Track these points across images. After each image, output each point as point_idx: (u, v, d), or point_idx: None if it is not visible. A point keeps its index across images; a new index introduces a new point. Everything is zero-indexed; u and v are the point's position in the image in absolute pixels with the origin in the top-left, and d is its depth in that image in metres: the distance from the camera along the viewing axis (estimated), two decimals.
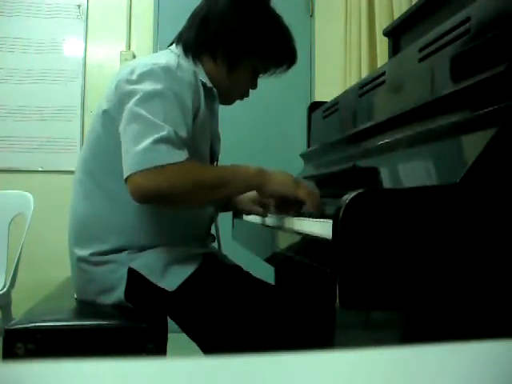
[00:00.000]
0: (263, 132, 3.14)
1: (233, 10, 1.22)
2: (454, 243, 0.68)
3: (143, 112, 1.05)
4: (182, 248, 1.18)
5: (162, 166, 1.01)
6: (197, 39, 1.24)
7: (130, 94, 1.09)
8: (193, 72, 1.19)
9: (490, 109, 0.75)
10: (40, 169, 3.06)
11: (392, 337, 1.19)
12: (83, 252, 1.18)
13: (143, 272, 1.13)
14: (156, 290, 1.13)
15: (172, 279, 1.12)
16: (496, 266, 0.68)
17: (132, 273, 1.15)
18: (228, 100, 1.34)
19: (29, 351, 1.06)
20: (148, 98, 1.07)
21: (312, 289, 1.09)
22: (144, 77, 1.10)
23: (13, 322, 1.11)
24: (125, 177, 1.03)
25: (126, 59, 3.08)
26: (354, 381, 0.25)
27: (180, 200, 1.08)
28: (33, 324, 1.09)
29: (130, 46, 3.13)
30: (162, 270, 1.13)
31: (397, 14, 2.13)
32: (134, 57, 3.10)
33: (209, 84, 1.24)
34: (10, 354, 1.06)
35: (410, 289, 0.68)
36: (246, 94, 1.35)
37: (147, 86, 1.08)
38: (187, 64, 1.20)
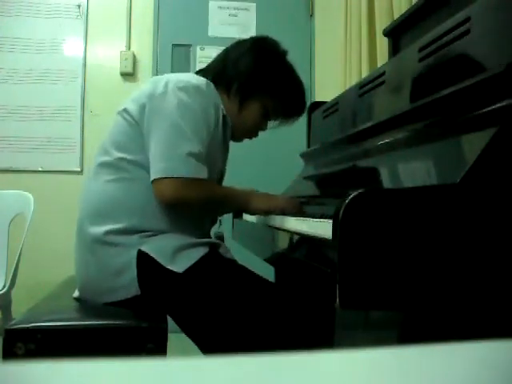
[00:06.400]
0: (263, 132, 3.13)
1: (250, 53, 1.37)
2: (454, 243, 0.68)
3: (179, 121, 1.19)
4: (190, 236, 1.23)
5: (192, 180, 1.18)
6: (215, 73, 1.37)
7: (167, 103, 1.21)
8: (217, 94, 1.31)
9: (490, 109, 0.75)
10: (40, 169, 3.05)
11: (391, 337, 1.19)
12: (98, 230, 1.21)
13: (153, 254, 1.17)
14: (163, 272, 1.16)
15: (180, 263, 1.17)
16: (496, 266, 0.68)
17: (141, 255, 1.18)
18: (236, 136, 1.44)
19: (29, 351, 1.06)
20: (184, 109, 1.20)
21: (312, 289, 1.09)
22: (179, 90, 1.22)
23: (13, 322, 1.11)
24: (155, 177, 1.17)
25: (126, 59, 3.08)
26: (353, 381, 0.25)
27: (194, 208, 1.27)
28: (33, 324, 1.09)
29: (130, 46, 3.13)
30: (171, 254, 1.17)
31: (397, 14, 2.13)
32: (134, 57, 3.10)
33: (224, 111, 1.33)
34: (10, 354, 1.06)
35: (409, 289, 0.68)
36: (255, 134, 1.47)
37: (182, 99, 1.21)
38: (213, 87, 1.31)
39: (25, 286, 2.57)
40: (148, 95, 1.24)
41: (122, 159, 1.24)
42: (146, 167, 1.21)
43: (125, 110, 1.27)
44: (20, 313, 1.20)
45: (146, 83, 1.32)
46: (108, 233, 1.20)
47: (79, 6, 3.14)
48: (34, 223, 2.39)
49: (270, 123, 1.46)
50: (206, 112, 1.24)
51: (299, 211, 1.27)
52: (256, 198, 1.31)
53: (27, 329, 1.08)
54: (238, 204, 1.32)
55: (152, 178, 1.18)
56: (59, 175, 3.02)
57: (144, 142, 1.22)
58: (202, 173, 1.20)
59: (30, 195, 2.47)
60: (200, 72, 1.40)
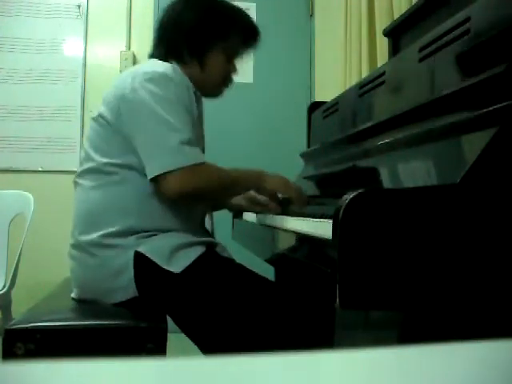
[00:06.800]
0: (263, 132, 3.14)
1: (186, 10, 1.31)
2: (453, 243, 0.68)
3: (160, 113, 1.16)
4: (186, 235, 1.22)
5: (194, 166, 1.15)
6: (162, 49, 1.32)
7: (140, 98, 1.17)
8: (184, 75, 1.26)
9: (490, 109, 0.75)
10: (40, 169, 3.05)
11: (391, 337, 1.19)
12: (91, 236, 1.21)
13: (149, 255, 1.16)
14: (161, 273, 1.15)
15: (177, 263, 1.16)
16: (496, 266, 0.68)
17: (138, 256, 1.17)
18: (214, 93, 1.40)
19: (28, 351, 1.06)
20: (159, 100, 1.17)
21: (312, 289, 1.09)
22: (148, 82, 1.18)
23: (12, 322, 1.11)
24: (155, 174, 1.14)
25: (126, 59, 3.08)
26: (353, 381, 0.25)
27: (208, 197, 1.27)
28: (32, 324, 1.09)
29: (130, 45, 3.13)
30: (168, 255, 1.16)
31: (397, 14, 2.13)
32: (134, 57, 3.10)
33: (193, 87, 1.29)
34: (10, 354, 1.06)
35: (409, 289, 0.68)
36: (229, 81, 1.40)
37: (154, 90, 1.17)
38: (179, 70, 1.26)
39: (25, 286, 2.57)
40: (119, 96, 1.21)
41: (106, 164, 1.21)
42: (134, 168, 1.20)
43: (100, 115, 1.24)
44: (20, 313, 1.20)
45: (114, 81, 1.28)
46: (104, 236, 1.20)
47: (79, 6, 3.14)
48: (33, 223, 2.39)
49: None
50: (181, 98, 1.20)
51: (305, 204, 1.28)
52: (270, 176, 1.29)
53: (27, 329, 1.08)
54: (251, 182, 1.28)
55: (151, 176, 1.15)
56: (59, 175, 3.01)
57: (128, 145, 1.19)
58: (200, 157, 1.18)
59: (29, 195, 2.47)
60: (154, 55, 1.34)
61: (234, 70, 1.39)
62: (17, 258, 2.29)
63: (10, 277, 2.30)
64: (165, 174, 1.14)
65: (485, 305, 0.70)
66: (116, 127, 1.21)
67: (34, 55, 3.08)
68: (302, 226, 0.99)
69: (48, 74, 3.09)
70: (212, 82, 1.36)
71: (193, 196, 1.19)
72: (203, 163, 1.18)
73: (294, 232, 1.02)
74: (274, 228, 1.20)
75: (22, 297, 2.39)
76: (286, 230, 1.10)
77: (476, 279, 0.68)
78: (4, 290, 2.27)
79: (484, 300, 0.69)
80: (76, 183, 1.28)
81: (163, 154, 1.15)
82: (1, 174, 3.01)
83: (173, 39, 1.31)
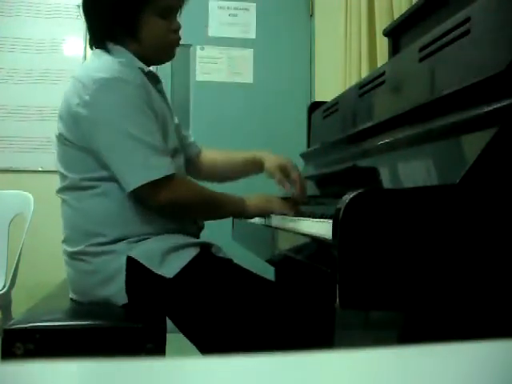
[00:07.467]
0: (263, 132, 3.14)
1: None
2: (453, 243, 0.68)
3: (123, 127, 1.12)
4: (179, 237, 1.20)
5: (165, 178, 1.13)
6: (98, 36, 1.25)
7: (98, 113, 1.13)
8: (133, 67, 1.20)
9: (490, 109, 0.75)
10: (40, 169, 3.05)
11: (391, 337, 1.19)
12: (80, 247, 1.19)
13: (141, 260, 1.15)
14: (154, 277, 1.14)
15: (170, 266, 1.14)
16: (496, 266, 0.68)
17: (130, 261, 1.15)
18: (165, 57, 1.32)
19: (28, 351, 1.06)
20: (118, 111, 1.13)
21: (312, 289, 1.09)
22: (99, 92, 1.13)
23: (11, 322, 1.11)
24: (129, 190, 1.13)
25: None
26: (353, 381, 0.25)
27: (193, 207, 1.23)
28: (32, 324, 1.09)
29: None
30: (160, 258, 1.14)
31: (397, 14, 2.13)
32: None
33: (146, 68, 1.24)
34: (9, 354, 1.06)
35: (409, 289, 0.68)
36: (175, 37, 1.29)
37: (109, 101, 1.13)
38: (124, 62, 1.19)
39: (25, 286, 2.57)
40: (73, 114, 1.16)
41: (82, 179, 1.19)
42: (111, 179, 1.16)
43: (61, 134, 1.20)
44: (20, 313, 1.20)
45: (66, 91, 1.22)
46: (92, 245, 1.18)
47: (79, 6, 3.13)
48: (33, 223, 2.39)
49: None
50: (137, 99, 1.15)
51: (296, 212, 1.25)
52: (253, 200, 1.26)
53: (26, 329, 1.08)
54: (233, 208, 1.27)
55: (127, 192, 1.14)
56: None
57: (98, 160, 1.16)
58: (169, 168, 1.15)
59: (29, 195, 2.47)
60: (93, 44, 1.27)
61: (175, 25, 1.27)
62: (17, 258, 2.29)
63: (10, 277, 2.30)
64: (137, 189, 1.12)
65: (485, 305, 0.70)
66: (80, 145, 1.17)
67: (33, 55, 3.08)
68: (302, 226, 0.99)
69: (48, 74, 3.09)
70: (158, 49, 1.27)
71: (173, 207, 1.17)
72: (174, 174, 1.15)
73: (293, 232, 1.02)
74: (274, 228, 1.20)
75: (22, 297, 2.39)
76: (286, 230, 1.10)
77: (476, 279, 0.68)
78: (4, 290, 2.27)
79: (484, 300, 0.69)
80: (61, 198, 1.26)
81: (132, 170, 1.12)
82: (1, 174, 3.01)
83: (102, 24, 1.23)
